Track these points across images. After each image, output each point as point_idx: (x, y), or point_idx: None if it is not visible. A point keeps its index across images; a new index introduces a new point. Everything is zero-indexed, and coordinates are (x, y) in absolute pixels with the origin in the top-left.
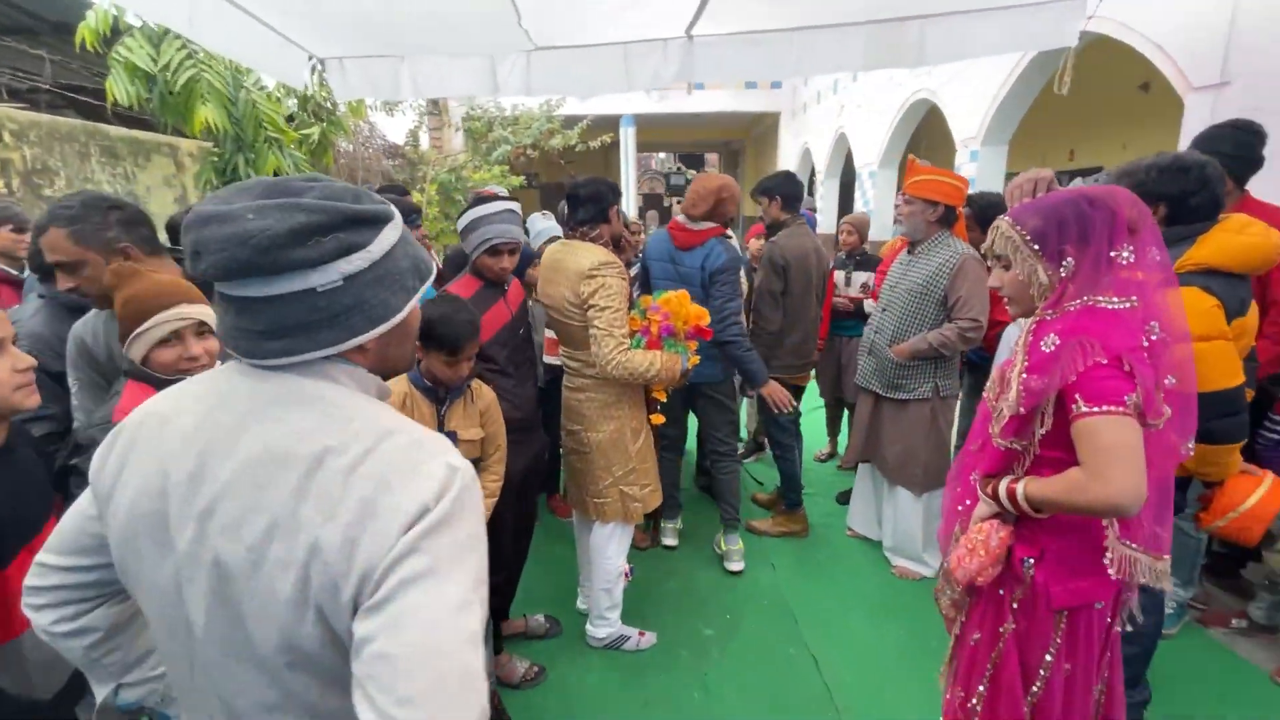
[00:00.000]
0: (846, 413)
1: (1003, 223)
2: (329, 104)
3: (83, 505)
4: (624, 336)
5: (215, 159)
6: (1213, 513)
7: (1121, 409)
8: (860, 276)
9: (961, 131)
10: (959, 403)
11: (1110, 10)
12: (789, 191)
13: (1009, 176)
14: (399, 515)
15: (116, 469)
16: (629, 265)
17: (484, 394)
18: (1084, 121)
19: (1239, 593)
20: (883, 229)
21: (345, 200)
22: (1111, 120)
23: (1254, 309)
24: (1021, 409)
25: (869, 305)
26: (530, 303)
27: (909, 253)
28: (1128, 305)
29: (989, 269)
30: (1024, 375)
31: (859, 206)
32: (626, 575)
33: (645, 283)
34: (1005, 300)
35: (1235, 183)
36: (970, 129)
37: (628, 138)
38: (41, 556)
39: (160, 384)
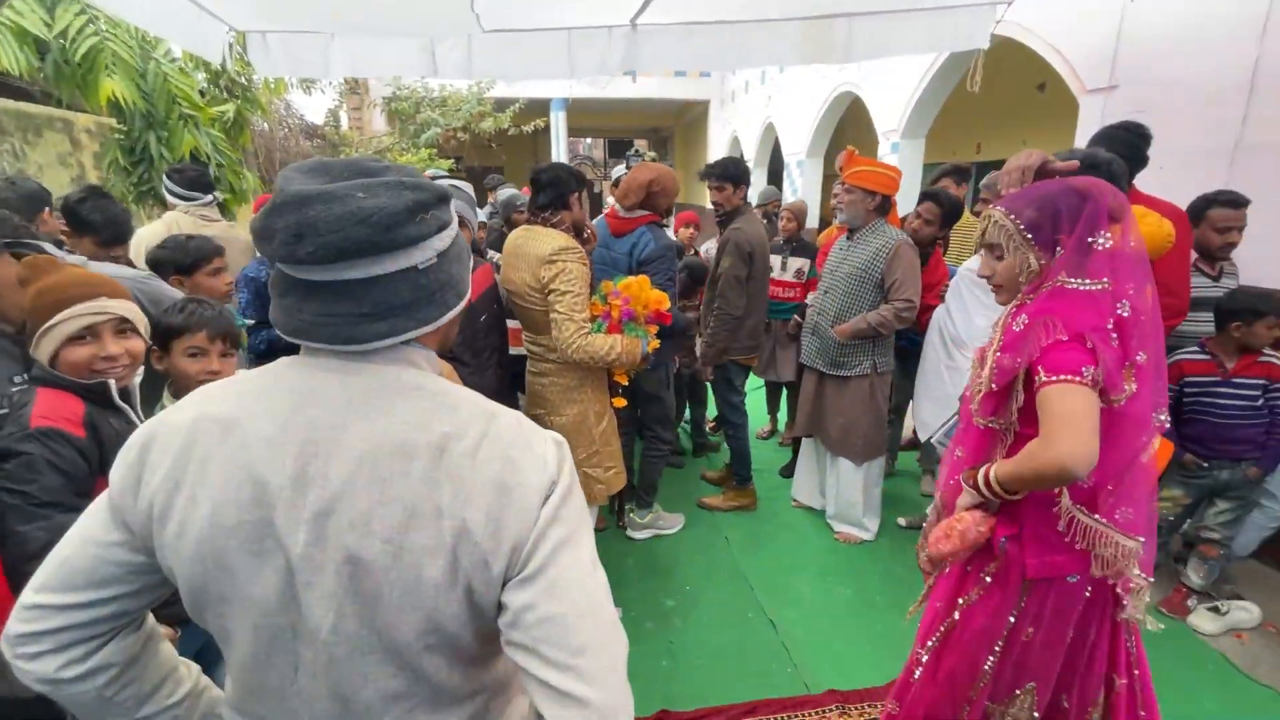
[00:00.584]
0: (785, 391)
1: (997, 213)
2: (243, 79)
3: (95, 533)
4: (584, 321)
5: (120, 137)
6: None
7: (1077, 378)
8: (795, 262)
9: (883, 124)
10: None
11: (1014, 15)
12: (739, 178)
13: (927, 168)
14: (533, 491)
15: (171, 485)
16: (591, 253)
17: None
18: (990, 118)
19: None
20: (809, 217)
21: (416, 177)
22: (1014, 118)
23: None
24: (994, 385)
25: (811, 298)
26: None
27: (848, 239)
28: (1099, 287)
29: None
30: (997, 353)
31: (788, 195)
32: None
33: None
34: (994, 288)
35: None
36: (891, 122)
37: (558, 122)
38: (37, 598)
39: (78, 391)
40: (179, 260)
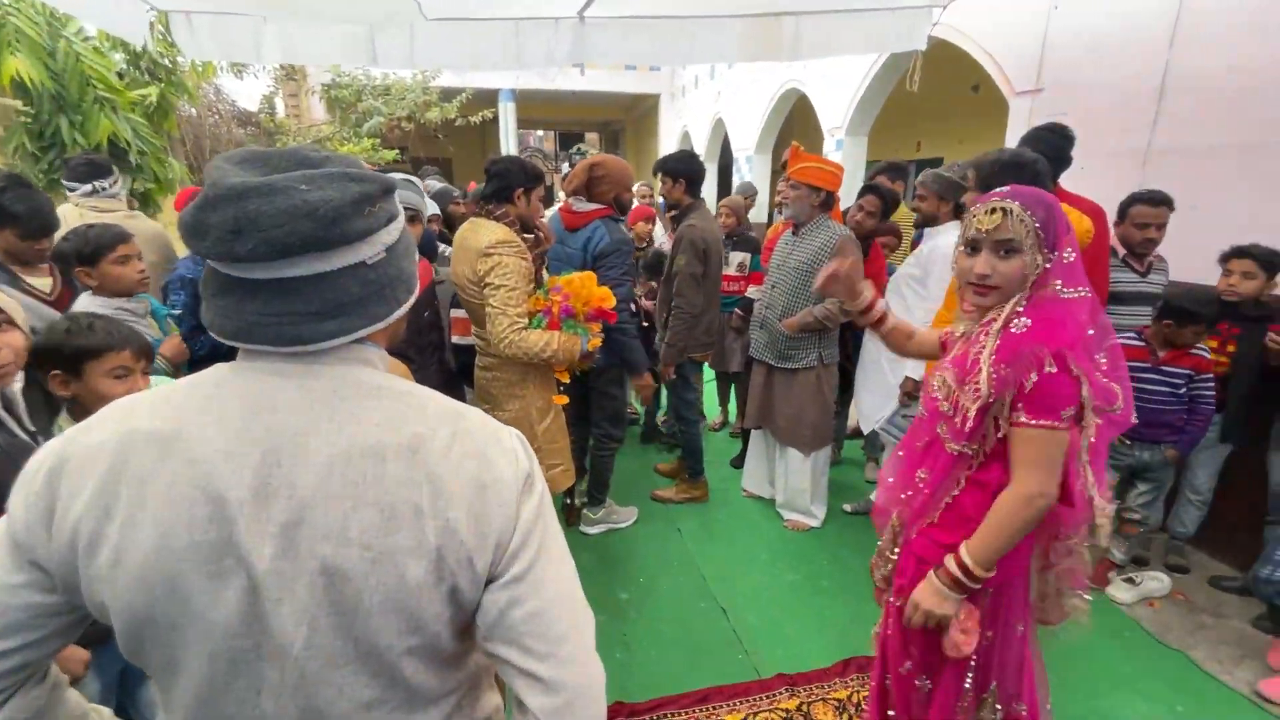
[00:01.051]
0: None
1: (1015, 207)
2: (167, 61)
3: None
4: (519, 316)
5: (28, 120)
6: None
7: (1057, 423)
8: (737, 256)
9: (828, 121)
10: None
11: (950, 18)
12: (692, 173)
13: (870, 165)
14: (509, 486)
15: (100, 512)
16: (544, 251)
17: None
18: (929, 117)
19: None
20: (759, 211)
21: (359, 168)
22: (951, 117)
23: None
24: (992, 396)
25: (753, 291)
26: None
27: (793, 234)
28: (1085, 294)
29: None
30: (994, 358)
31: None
32: None
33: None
34: (986, 289)
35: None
36: (835, 119)
37: (507, 113)
38: None
39: None
40: (80, 250)
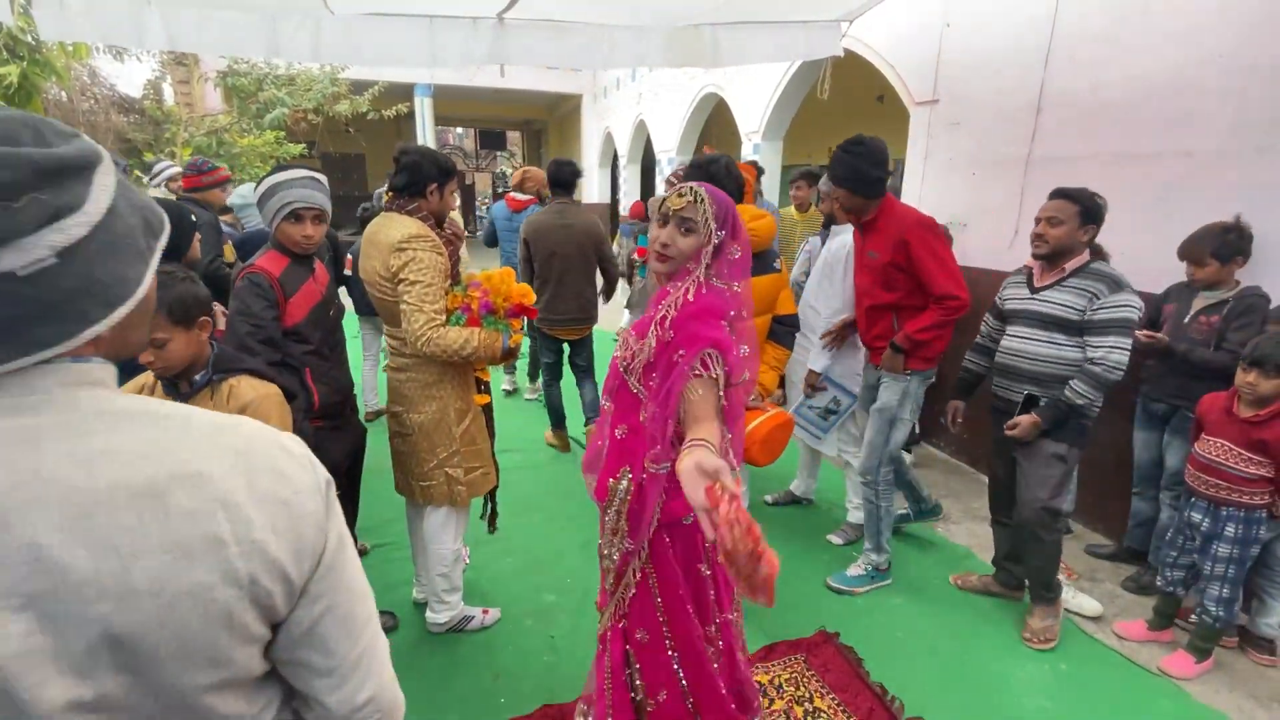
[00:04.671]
0: None
1: (701, 195)
2: (30, 38)
3: None
4: (436, 312)
5: None
6: None
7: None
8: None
9: (745, 125)
10: None
11: (857, 31)
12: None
13: (785, 169)
14: (313, 495)
15: None
16: (456, 250)
17: (242, 393)
18: (839, 124)
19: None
20: None
21: (26, 141)
22: (859, 125)
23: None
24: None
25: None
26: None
27: None
28: (737, 289)
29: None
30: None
31: (660, 190)
32: (464, 559)
33: (492, 236)
34: (664, 259)
35: (857, 190)
36: (752, 124)
37: (424, 109)
38: None
39: None
40: None
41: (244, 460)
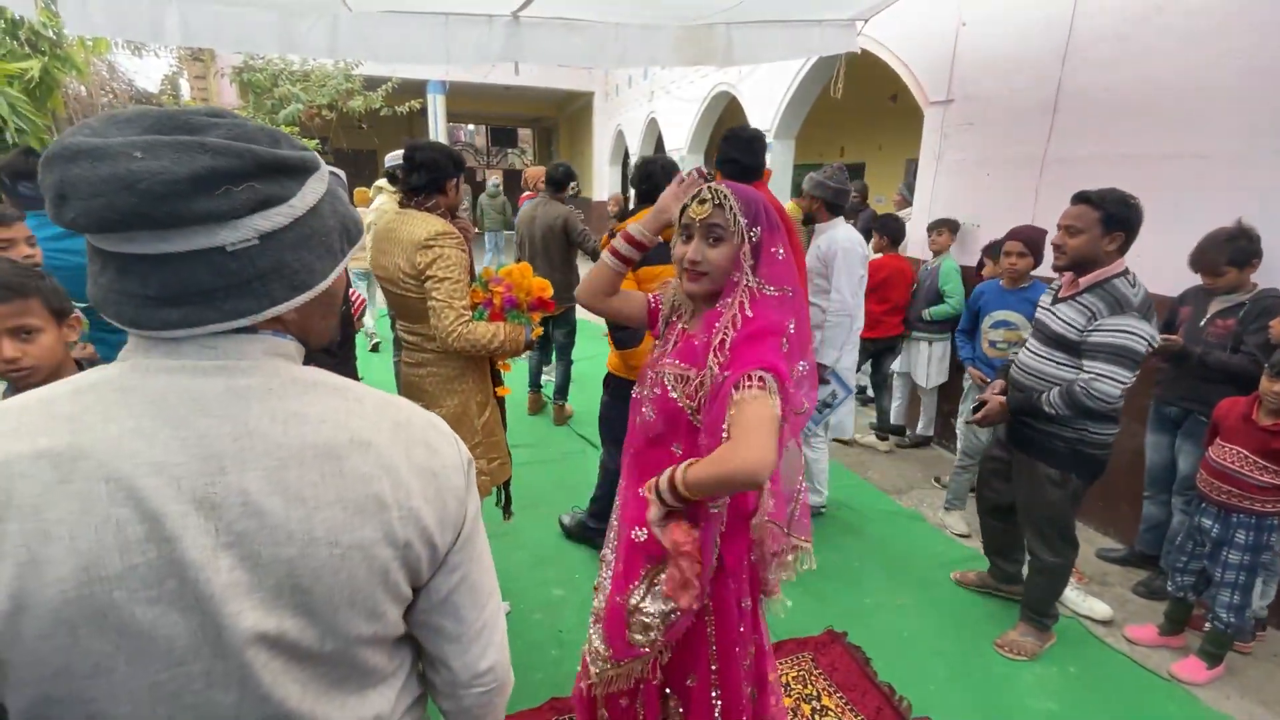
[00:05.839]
0: None
1: (723, 197)
2: (51, 33)
3: None
4: (464, 308)
5: None
6: None
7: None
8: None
9: (757, 124)
10: None
11: (871, 30)
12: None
13: (798, 168)
14: (455, 471)
15: None
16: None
17: None
18: (851, 124)
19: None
20: None
21: (261, 143)
22: (871, 124)
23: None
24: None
25: None
26: None
27: None
28: (787, 292)
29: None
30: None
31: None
32: None
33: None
34: (696, 277)
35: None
36: (764, 122)
37: (436, 106)
38: None
39: None
40: None
41: (403, 432)
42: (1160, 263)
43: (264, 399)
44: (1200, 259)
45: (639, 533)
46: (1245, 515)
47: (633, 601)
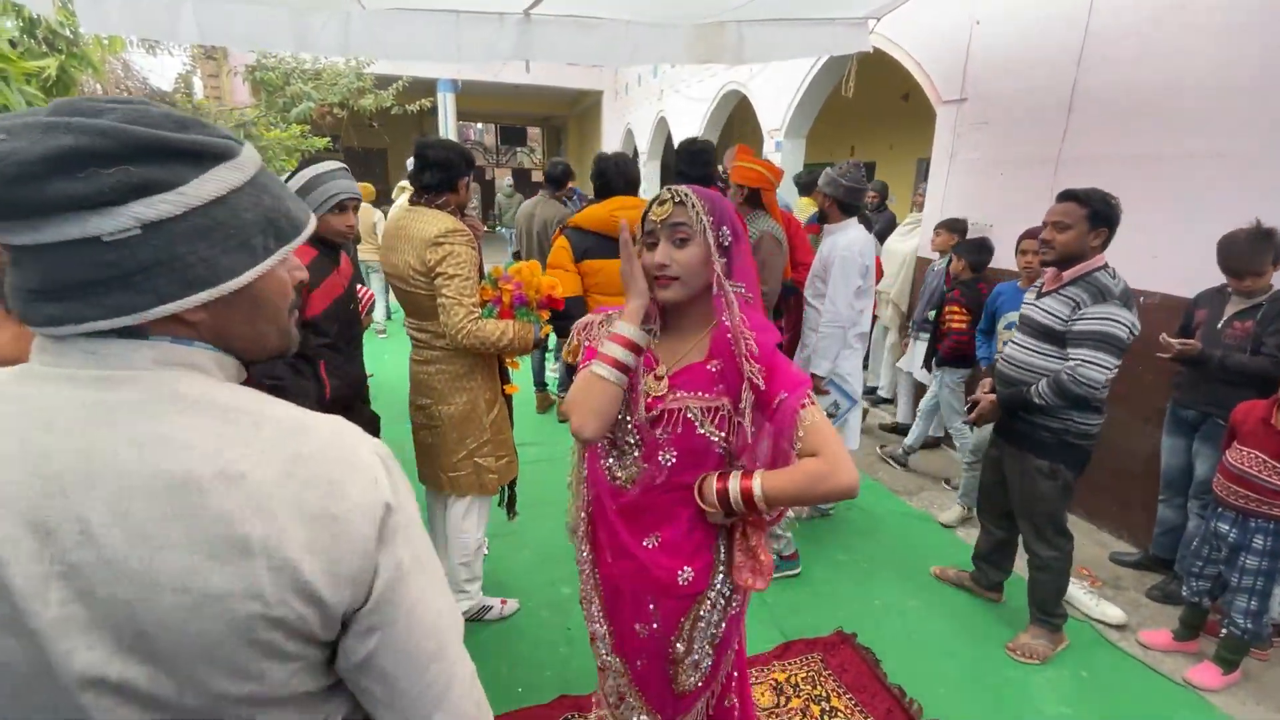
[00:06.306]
0: None
1: (684, 188)
2: (68, 31)
3: None
4: (474, 305)
5: None
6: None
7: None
8: None
9: (768, 123)
10: None
11: (883, 29)
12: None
13: (808, 167)
14: (363, 517)
15: None
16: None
17: None
18: (862, 123)
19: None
20: None
21: (157, 127)
22: (882, 124)
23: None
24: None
25: None
26: None
27: None
28: (749, 298)
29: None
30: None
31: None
32: (484, 548)
33: None
34: (666, 283)
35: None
36: (775, 121)
37: (446, 104)
38: None
39: None
40: None
41: (302, 468)
42: (1175, 263)
43: (131, 417)
44: (1238, 261)
45: (649, 622)
46: (1264, 520)
47: (679, 650)
